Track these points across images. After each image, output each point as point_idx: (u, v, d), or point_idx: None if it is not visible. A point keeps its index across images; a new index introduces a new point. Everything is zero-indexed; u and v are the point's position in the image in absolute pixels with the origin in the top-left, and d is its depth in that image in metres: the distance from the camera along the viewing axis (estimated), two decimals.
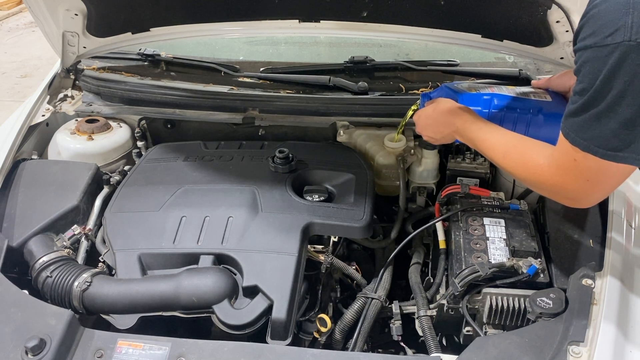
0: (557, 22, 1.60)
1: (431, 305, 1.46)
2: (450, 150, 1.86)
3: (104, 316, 1.36)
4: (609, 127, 0.91)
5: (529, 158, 1.13)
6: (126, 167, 1.90)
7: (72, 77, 2.15)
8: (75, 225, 1.58)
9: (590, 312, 1.17)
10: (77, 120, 2.00)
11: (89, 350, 1.18)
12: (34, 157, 1.87)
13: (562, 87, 1.47)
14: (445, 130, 1.39)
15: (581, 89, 0.94)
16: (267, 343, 1.27)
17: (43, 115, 1.97)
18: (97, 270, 1.42)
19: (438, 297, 1.48)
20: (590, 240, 1.42)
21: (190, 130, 2.07)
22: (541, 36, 1.72)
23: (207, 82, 2.09)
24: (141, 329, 1.29)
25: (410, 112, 1.62)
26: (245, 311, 1.29)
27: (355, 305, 1.50)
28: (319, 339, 1.47)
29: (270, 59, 2.31)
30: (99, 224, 1.64)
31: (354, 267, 1.59)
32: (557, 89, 1.48)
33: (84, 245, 1.59)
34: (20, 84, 5.81)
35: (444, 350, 1.41)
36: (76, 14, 1.87)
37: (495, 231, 1.46)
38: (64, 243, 1.52)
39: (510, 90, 1.48)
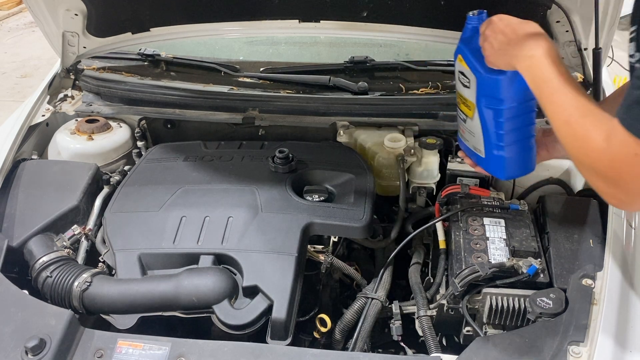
0: (557, 22, 1.60)
1: (431, 305, 1.46)
2: (451, 150, 1.86)
3: (104, 316, 1.36)
4: None
5: (590, 137, 0.92)
6: (126, 167, 1.89)
7: (72, 77, 2.14)
8: (75, 225, 1.59)
9: (590, 312, 1.17)
10: (77, 120, 2.00)
11: (89, 350, 1.17)
12: (34, 157, 1.87)
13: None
14: (517, 52, 1.10)
15: None
16: (267, 343, 1.27)
17: (43, 115, 1.97)
18: (97, 270, 1.42)
19: (438, 297, 1.47)
20: (590, 240, 1.42)
21: (190, 130, 2.06)
22: None
23: (207, 82, 2.09)
24: (141, 329, 1.29)
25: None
26: (245, 311, 1.29)
27: (355, 305, 1.49)
28: (319, 339, 1.48)
29: (270, 59, 2.31)
30: (99, 224, 1.64)
31: (354, 267, 1.59)
32: None
33: (84, 245, 1.59)
34: (20, 84, 5.81)
35: (444, 350, 1.40)
36: (76, 14, 1.88)
37: (495, 231, 1.46)
38: (64, 243, 1.52)
39: None
